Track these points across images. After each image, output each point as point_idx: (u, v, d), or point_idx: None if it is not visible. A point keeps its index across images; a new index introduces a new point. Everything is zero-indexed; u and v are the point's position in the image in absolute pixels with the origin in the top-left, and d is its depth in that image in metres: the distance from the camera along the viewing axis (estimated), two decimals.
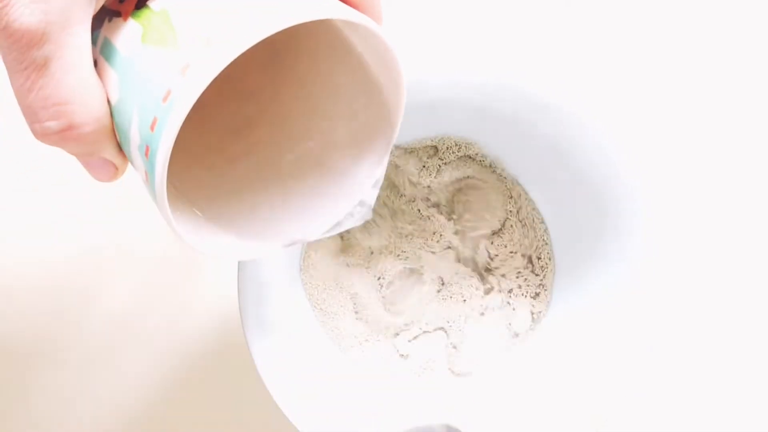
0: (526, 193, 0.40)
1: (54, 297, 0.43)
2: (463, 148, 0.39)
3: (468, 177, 0.40)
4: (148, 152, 0.20)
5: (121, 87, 0.21)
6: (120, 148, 0.22)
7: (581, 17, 0.46)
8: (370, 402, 0.37)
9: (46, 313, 0.43)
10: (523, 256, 0.40)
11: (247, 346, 0.32)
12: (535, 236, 0.40)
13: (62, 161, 0.34)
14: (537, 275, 0.40)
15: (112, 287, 0.43)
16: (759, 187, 0.45)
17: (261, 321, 0.33)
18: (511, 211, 0.40)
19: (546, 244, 0.40)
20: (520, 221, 0.40)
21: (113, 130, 0.22)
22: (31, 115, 0.21)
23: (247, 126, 0.28)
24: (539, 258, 0.40)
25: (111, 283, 0.43)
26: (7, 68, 0.20)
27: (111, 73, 0.21)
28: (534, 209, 0.40)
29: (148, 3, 0.21)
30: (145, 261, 0.44)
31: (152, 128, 0.20)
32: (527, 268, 0.40)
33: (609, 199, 0.37)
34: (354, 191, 0.26)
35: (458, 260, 0.40)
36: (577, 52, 0.45)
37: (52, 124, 0.20)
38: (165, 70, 0.20)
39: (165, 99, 0.19)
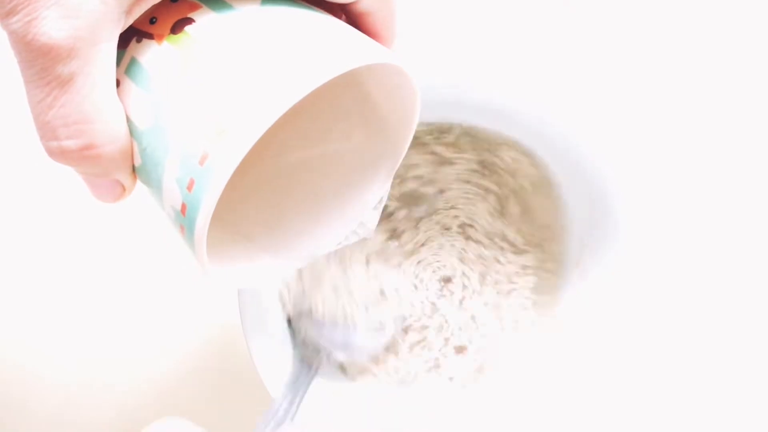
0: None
1: (54, 297, 0.43)
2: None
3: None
4: (192, 186, 0.19)
5: (155, 113, 0.20)
6: (132, 170, 0.22)
7: (580, 17, 0.46)
8: (371, 402, 0.37)
9: (45, 313, 0.43)
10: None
11: (247, 346, 0.32)
12: None
13: None
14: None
15: (113, 287, 0.43)
16: (756, 178, 0.45)
17: (261, 321, 0.33)
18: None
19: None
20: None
21: (131, 153, 0.21)
22: (49, 132, 0.19)
23: None
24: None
25: (112, 283, 0.43)
26: (26, 82, 0.19)
27: (140, 96, 0.20)
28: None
29: (185, 29, 0.20)
30: (145, 260, 0.44)
31: (202, 163, 0.19)
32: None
33: (604, 205, 0.37)
34: (354, 216, 0.26)
35: (461, 259, 0.40)
36: (574, 51, 0.45)
37: (71, 143, 0.19)
38: (215, 103, 0.19)
39: (220, 134, 0.18)
